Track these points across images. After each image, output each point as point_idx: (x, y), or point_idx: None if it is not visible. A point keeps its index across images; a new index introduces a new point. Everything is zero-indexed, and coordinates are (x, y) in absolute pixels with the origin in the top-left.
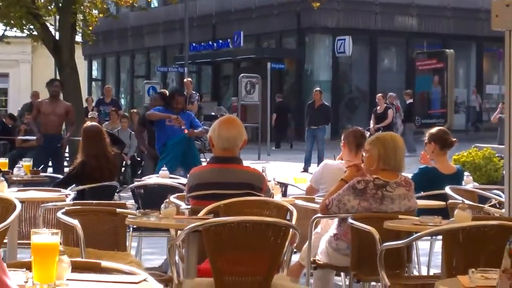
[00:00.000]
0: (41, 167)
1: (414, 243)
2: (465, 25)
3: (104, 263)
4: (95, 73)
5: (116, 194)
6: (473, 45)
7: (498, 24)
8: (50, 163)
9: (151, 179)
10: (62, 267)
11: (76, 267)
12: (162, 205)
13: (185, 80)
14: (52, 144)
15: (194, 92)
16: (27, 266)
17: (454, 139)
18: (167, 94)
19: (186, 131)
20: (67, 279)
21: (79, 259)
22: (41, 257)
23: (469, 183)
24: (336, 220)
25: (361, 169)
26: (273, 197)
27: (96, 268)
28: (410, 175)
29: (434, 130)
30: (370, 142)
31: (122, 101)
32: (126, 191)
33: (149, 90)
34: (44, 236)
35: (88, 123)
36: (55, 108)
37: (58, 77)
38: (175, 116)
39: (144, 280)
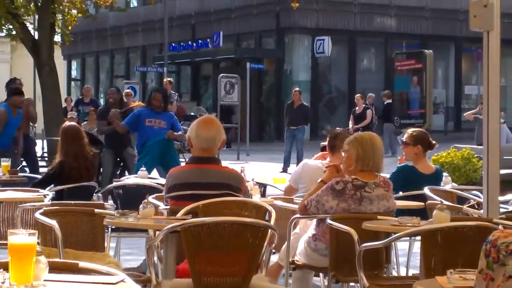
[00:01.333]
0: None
1: (393, 243)
2: (444, 26)
3: (82, 264)
4: (74, 73)
5: (94, 194)
6: (451, 46)
7: (476, 25)
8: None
9: (130, 179)
10: (39, 267)
11: (54, 268)
12: (141, 206)
13: (164, 80)
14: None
15: (173, 92)
16: (4, 267)
17: (435, 142)
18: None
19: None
20: (45, 280)
21: (57, 259)
22: (18, 257)
23: (447, 183)
24: (314, 221)
25: (341, 170)
26: (251, 198)
27: (73, 269)
28: (388, 176)
29: (414, 132)
30: (348, 143)
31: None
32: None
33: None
34: (21, 237)
35: (67, 123)
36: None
37: (37, 77)
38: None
39: (122, 280)
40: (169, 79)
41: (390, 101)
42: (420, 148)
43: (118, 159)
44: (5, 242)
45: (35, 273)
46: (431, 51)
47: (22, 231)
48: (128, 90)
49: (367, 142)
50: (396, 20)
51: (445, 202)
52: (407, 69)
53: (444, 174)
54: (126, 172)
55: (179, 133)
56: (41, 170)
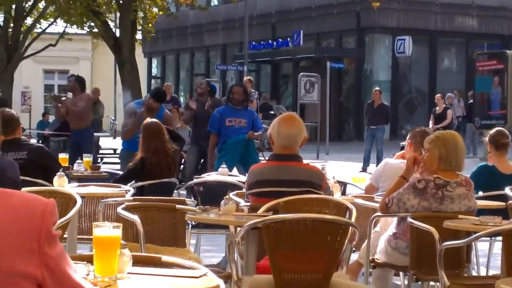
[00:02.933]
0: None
1: (473, 243)
2: None
3: (165, 258)
4: (154, 71)
5: (175, 191)
6: None
7: None
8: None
9: (211, 176)
10: (123, 260)
11: (137, 261)
12: (222, 202)
13: (244, 78)
14: (80, 139)
15: (253, 91)
16: (88, 259)
17: (508, 140)
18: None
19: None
20: (128, 273)
21: (139, 253)
22: (103, 250)
23: None
24: (395, 219)
25: (419, 162)
26: (332, 195)
27: (156, 263)
28: (468, 175)
29: (492, 130)
30: (430, 141)
31: (182, 99)
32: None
33: None
34: (106, 229)
35: (148, 120)
36: (77, 103)
37: (118, 74)
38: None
39: (205, 275)
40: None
41: (472, 101)
42: (491, 146)
43: (201, 157)
44: (86, 236)
45: (119, 265)
46: None
47: (107, 223)
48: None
49: (450, 141)
50: (478, 20)
51: None
52: (488, 70)
53: None
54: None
55: (259, 132)
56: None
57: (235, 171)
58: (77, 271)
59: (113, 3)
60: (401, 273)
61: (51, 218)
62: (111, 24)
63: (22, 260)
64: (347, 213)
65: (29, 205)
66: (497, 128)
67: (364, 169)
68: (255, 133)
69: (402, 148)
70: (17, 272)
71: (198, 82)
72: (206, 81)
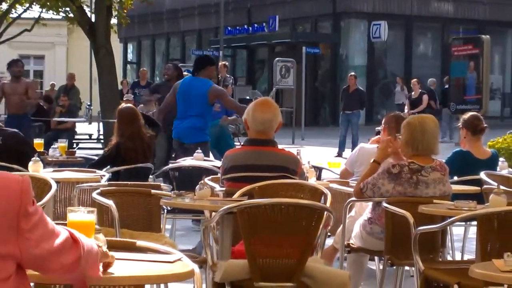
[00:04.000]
0: None
1: (448, 228)
2: (502, 11)
3: (139, 243)
4: (130, 56)
5: (150, 176)
6: (509, 31)
7: None
8: None
9: (186, 161)
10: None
11: (112, 246)
12: (197, 187)
13: (219, 63)
14: (17, 124)
15: (228, 76)
16: None
17: (485, 125)
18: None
19: (218, 109)
20: None
21: (114, 238)
22: None
23: (504, 168)
24: (370, 204)
25: (394, 145)
26: (307, 180)
27: (131, 247)
28: (444, 160)
29: (466, 115)
30: (402, 127)
31: None
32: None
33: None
34: (80, 214)
35: (123, 105)
36: (17, 88)
37: (93, 60)
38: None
39: (179, 259)
40: (224, 62)
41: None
42: (467, 132)
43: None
44: (61, 222)
45: None
46: (488, 36)
47: (81, 208)
48: (222, 63)
49: (416, 126)
50: (453, 5)
51: (502, 187)
52: (464, 55)
53: (501, 159)
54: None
55: (233, 117)
56: (98, 152)
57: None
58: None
59: None
60: (376, 258)
61: (28, 196)
62: (87, 9)
63: (3, 241)
64: (322, 198)
65: (5, 185)
66: (472, 113)
67: (339, 154)
68: (229, 118)
69: (378, 133)
70: None
71: (166, 67)
72: (173, 65)
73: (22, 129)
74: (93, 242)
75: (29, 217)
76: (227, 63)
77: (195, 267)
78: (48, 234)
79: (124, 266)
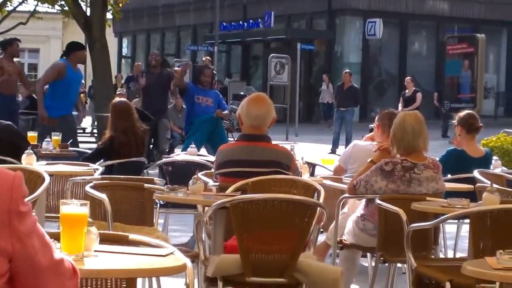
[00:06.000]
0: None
1: (441, 225)
2: (497, 10)
3: (132, 236)
4: (125, 51)
5: (144, 170)
6: (504, 30)
7: None
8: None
9: (179, 156)
10: (90, 238)
11: (104, 239)
12: (190, 181)
13: (204, 58)
14: (9, 106)
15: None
16: (56, 237)
17: (481, 125)
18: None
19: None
20: (95, 250)
21: (107, 231)
22: (70, 227)
23: (497, 167)
24: (363, 201)
25: (391, 152)
26: (301, 176)
27: (123, 241)
28: (437, 158)
29: (462, 113)
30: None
31: None
32: (154, 168)
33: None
34: (73, 207)
35: (117, 99)
36: (11, 66)
37: (88, 53)
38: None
39: (171, 253)
40: (207, 57)
41: None
42: (462, 129)
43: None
44: (54, 214)
45: (86, 243)
46: (483, 35)
47: (74, 201)
48: (206, 58)
49: (397, 125)
50: (449, 3)
51: (495, 185)
52: (459, 53)
53: (494, 157)
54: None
55: (226, 112)
56: (91, 146)
57: (204, 151)
58: (52, 243)
59: None
60: (368, 255)
61: (20, 191)
62: (82, 3)
63: None
64: (315, 194)
65: None
66: (467, 111)
67: (333, 151)
68: (223, 112)
69: (371, 130)
70: None
71: (152, 53)
72: (158, 52)
73: (13, 112)
74: None
75: (23, 217)
76: (209, 58)
77: (188, 261)
78: (46, 244)
79: (116, 259)
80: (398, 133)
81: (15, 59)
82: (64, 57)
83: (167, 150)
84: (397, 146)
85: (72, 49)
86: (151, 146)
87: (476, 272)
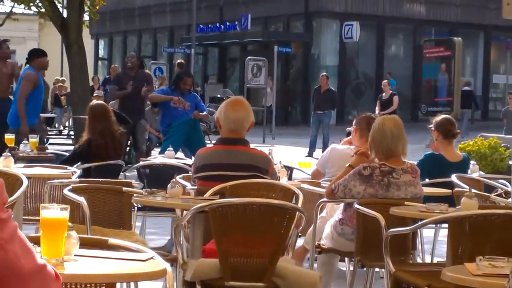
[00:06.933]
0: None
1: (418, 230)
2: (474, 14)
3: (112, 240)
4: (101, 52)
5: (121, 173)
6: (481, 34)
7: (510, 13)
8: None
9: (157, 159)
10: (70, 242)
11: (84, 244)
12: (169, 185)
13: (178, 61)
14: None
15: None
16: (35, 241)
17: (458, 131)
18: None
19: (186, 108)
20: (75, 255)
21: (86, 235)
22: (50, 232)
23: (475, 171)
24: (341, 205)
25: (369, 157)
26: (279, 180)
27: (103, 245)
28: (415, 162)
29: (439, 117)
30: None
31: None
32: (131, 171)
33: (155, 70)
34: (53, 211)
35: (94, 101)
36: (2, 68)
37: (65, 56)
38: (177, 98)
39: (152, 258)
40: (181, 60)
41: (468, 88)
42: (439, 134)
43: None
44: (32, 217)
45: (66, 248)
46: (460, 38)
47: (55, 205)
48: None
49: (375, 129)
50: (426, 7)
51: (473, 190)
52: (436, 56)
53: (472, 162)
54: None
55: (204, 113)
56: (68, 148)
57: (181, 154)
58: (33, 248)
59: None
60: (346, 259)
61: (0, 198)
62: (59, 5)
63: None
64: (294, 198)
65: None
66: (444, 116)
67: (310, 154)
68: (200, 113)
69: (349, 133)
70: None
71: (129, 56)
72: (135, 54)
73: (2, 114)
74: None
75: (3, 224)
76: (183, 61)
77: (168, 266)
78: (28, 249)
79: (96, 264)
80: (377, 137)
81: (8, 61)
82: (28, 65)
83: (145, 150)
84: (375, 150)
85: (36, 55)
86: (128, 148)
87: (456, 278)
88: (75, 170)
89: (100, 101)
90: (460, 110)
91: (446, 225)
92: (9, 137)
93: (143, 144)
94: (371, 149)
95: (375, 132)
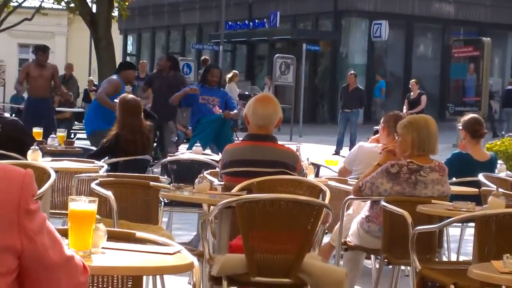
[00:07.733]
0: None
1: (445, 229)
2: (503, 14)
3: (139, 234)
4: (130, 48)
5: (148, 168)
6: (510, 34)
7: None
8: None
9: (184, 155)
10: (98, 235)
11: (111, 237)
12: (196, 180)
13: (202, 57)
14: (41, 108)
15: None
16: (63, 233)
17: (485, 131)
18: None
19: (219, 111)
20: (103, 247)
21: (113, 229)
22: (78, 224)
23: (502, 171)
24: (368, 202)
25: (397, 155)
26: (306, 177)
27: (130, 238)
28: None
29: (467, 117)
30: (403, 127)
31: None
32: (158, 167)
33: (183, 67)
34: (82, 204)
35: (127, 96)
36: (43, 71)
37: (93, 51)
38: (188, 89)
39: (179, 251)
40: (144, 61)
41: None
42: (466, 134)
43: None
44: (59, 211)
45: (93, 240)
46: (489, 39)
47: (83, 198)
48: (143, 62)
49: (422, 126)
50: (455, 6)
51: (500, 190)
52: (464, 56)
53: (499, 162)
54: (160, 143)
55: (235, 112)
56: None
57: (208, 150)
58: (61, 240)
59: None
60: (372, 257)
61: (29, 189)
62: (88, 0)
63: (3, 233)
64: (321, 195)
65: (6, 177)
66: (473, 115)
67: (337, 152)
68: (231, 113)
69: (376, 132)
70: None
71: (159, 58)
72: (166, 56)
73: (48, 113)
74: None
75: (32, 215)
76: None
77: (195, 260)
78: (56, 241)
79: (123, 256)
80: (424, 135)
81: (49, 63)
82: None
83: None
84: (419, 148)
85: (123, 67)
86: (155, 144)
87: (483, 276)
88: (103, 165)
89: (133, 96)
90: (504, 109)
91: (472, 224)
92: (36, 130)
93: (170, 146)
94: (414, 146)
95: (423, 130)
